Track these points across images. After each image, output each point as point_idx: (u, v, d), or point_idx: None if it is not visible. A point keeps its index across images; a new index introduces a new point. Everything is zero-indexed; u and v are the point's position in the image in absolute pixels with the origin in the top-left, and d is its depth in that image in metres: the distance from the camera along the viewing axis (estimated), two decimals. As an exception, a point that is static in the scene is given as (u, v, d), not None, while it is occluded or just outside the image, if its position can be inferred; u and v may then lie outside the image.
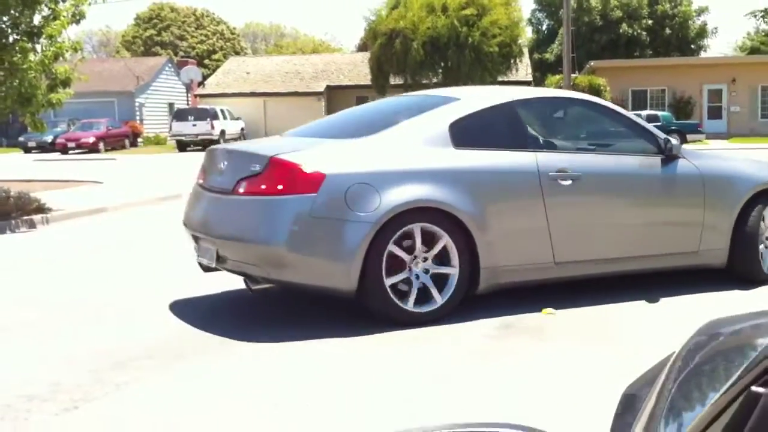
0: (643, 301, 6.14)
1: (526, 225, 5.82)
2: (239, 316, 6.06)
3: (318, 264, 5.36)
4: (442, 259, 5.51)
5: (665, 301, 6.13)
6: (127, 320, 5.91)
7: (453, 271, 5.49)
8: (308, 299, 6.20)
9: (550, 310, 5.88)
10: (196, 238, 6.02)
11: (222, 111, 39.19)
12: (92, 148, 38.12)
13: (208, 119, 37.42)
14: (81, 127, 40.09)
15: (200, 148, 37.79)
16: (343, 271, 5.23)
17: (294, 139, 6.41)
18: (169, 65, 50.81)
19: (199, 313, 6.08)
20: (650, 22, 54.07)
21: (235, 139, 39.97)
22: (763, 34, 60.13)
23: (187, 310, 6.14)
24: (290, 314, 6.07)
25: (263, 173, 5.40)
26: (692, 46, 56.32)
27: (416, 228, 5.39)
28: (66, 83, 13.24)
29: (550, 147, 6.39)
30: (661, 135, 6.44)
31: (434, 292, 5.46)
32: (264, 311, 6.21)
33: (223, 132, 38.36)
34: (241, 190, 5.50)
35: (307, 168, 5.28)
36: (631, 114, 7.12)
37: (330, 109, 42.76)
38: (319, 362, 4.77)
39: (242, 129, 41.38)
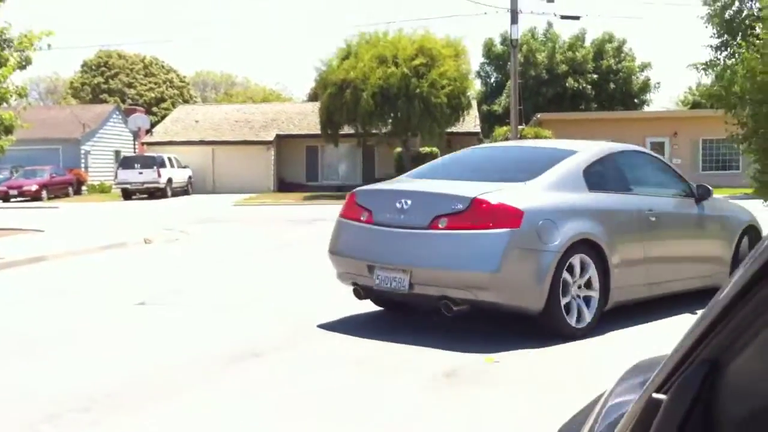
0: (588, 339, 6.23)
1: (634, 252, 7.17)
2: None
3: (516, 287, 6.36)
4: (587, 283, 6.69)
5: (610, 337, 6.27)
6: (59, 368, 5.64)
7: (595, 293, 6.69)
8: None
9: (492, 356, 5.82)
10: (371, 268, 6.81)
11: (170, 159, 38.77)
12: (35, 196, 37.35)
13: (155, 167, 36.97)
14: (24, 175, 39.32)
15: (146, 196, 37.36)
16: (537, 293, 6.29)
17: (462, 183, 7.02)
18: (117, 113, 50.32)
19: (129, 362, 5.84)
20: (595, 76, 55.35)
21: (183, 188, 39.59)
22: (703, 88, 61.89)
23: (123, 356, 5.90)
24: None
25: (468, 211, 6.35)
26: (635, 100, 57.72)
27: (576, 257, 6.55)
28: (9, 130, 12.99)
29: (638, 190, 7.69)
30: (692, 183, 8.27)
31: (585, 311, 6.62)
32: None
33: (170, 180, 37.92)
34: (442, 226, 6.41)
35: (511, 206, 6.33)
36: (673, 165, 9.02)
37: (279, 158, 42.67)
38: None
39: (190, 177, 40.97)
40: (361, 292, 7.16)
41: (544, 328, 6.52)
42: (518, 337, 6.54)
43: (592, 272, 6.66)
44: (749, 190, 15.39)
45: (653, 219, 7.36)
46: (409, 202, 6.77)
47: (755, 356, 0.97)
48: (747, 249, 8.26)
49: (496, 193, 6.46)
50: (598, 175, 7.26)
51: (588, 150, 7.55)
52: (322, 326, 7.13)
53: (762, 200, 14.40)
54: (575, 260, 6.54)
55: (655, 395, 1.13)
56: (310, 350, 6.22)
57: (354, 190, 7.90)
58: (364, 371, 5.53)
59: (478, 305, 6.52)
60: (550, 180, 6.87)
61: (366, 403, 4.83)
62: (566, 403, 4.59)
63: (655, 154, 9.06)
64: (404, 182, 7.96)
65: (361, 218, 7.13)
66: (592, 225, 6.73)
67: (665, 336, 6.49)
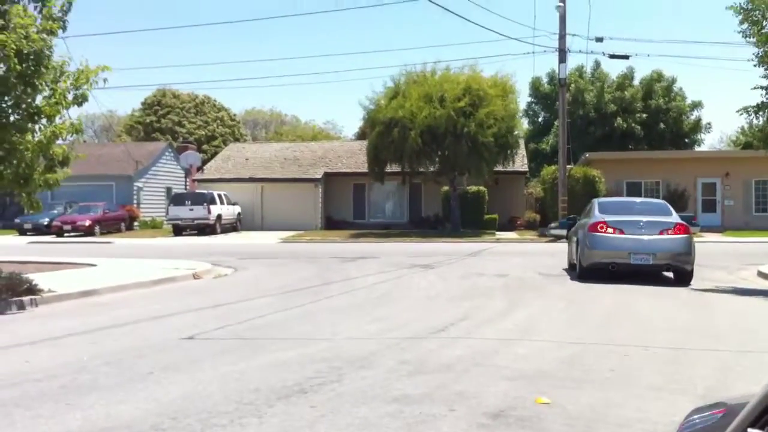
0: (643, 389, 6.07)
1: None
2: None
3: (692, 259, 14.99)
4: None
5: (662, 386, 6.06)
6: (110, 401, 5.77)
7: None
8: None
9: (544, 398, 5.75)
10: (629, 254, 14.78)
11: (219, 195, 39.34)
12: (88, 231, 38.09)
13: (205, 204, 37.53)
14: (78, 210, 40.15)
15: (196, 232, 37.88)
16: (694, 261, 15.25)
17: (655, 217, 15.64)
18: (169, 150, 51.31)
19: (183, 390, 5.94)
20: (644, 116, 54.89)
21: (231, 224, 40.08)
22: (756, 129, 60.99)
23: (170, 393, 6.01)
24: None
25: (674, 228, 15.04)
26: (686, 140, 57.06)
27: None
28: (64, 163, 13.28)
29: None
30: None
31: None
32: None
33: (219, 216, 38.44)
34: (665, 234, 14.92)
35: (687, 226, 15.21)
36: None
37: (327, 195, 43.01)
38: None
39: (239, 214, 41.49)
40: (615, 267, 15.02)
41: (689, 280, 14.90)
42: (575, 378, 6.50)
43: None
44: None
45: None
46: (642, 224, 15.12)
47: None
48: None
49: (677, 219, 15.54)
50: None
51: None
52: (364, 365, 7.18)
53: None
54: None
55: (750, 430, 1.15)
56: (353, 387, 6.25)
57: (601, 219, 15.36)
58: (409, 409, 5.53)
59: (679, 269, 14.97)
60: (677, 215, 15.95)
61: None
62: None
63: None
64: (629, 215, 15.65)
65: (614, 232, 15.02)
66: None
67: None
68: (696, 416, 1.61)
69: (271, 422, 5.23)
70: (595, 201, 17.36)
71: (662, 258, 14.67)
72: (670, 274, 15.39)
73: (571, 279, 15.83)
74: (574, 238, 16.93)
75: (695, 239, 15.88)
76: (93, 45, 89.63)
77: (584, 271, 15.40)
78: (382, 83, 50.20)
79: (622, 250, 14.73)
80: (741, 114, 16.26)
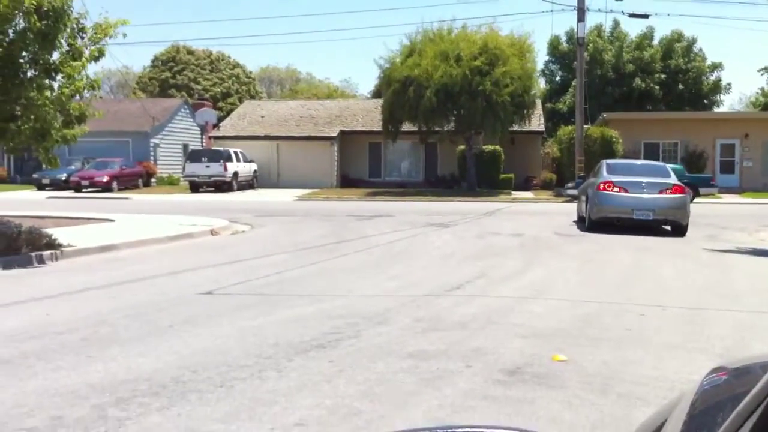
0: (660, 347, 6.08)
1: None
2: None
3: (687, 215, 16.92)
4: None
5: (685, 342, 6.06)
6: (130, 353, 5.85)
7: None
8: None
9: (560, 356, 5.77)
10: (632, 210, 16.78)
11: (236, 153, 39.37)
12: (106, 187, 38.27)
13: (222, 161, 37.60)
14: (95, 166, 40.30)
15: (213, 189, 38.01)
16: (689, 217, 17.09)
17: (639, 177, 17.52)
18: (185, 107, 51.24)
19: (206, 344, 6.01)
20: (663, 76, 54.24)
21: (248, 181, 40.19)
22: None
23: (188, 345, 6.08)
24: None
25: (672, 188, 17.04)
26: (705, 101, 56.41)
27: None
28: (81, 119, 13.30)
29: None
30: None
31: None
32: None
33: (236, 174, 38.51)
34: (666, 193, 16.92)
35: (683, 186, 17.53)
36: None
37: (343, 154, 42.96)
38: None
39: (255, 171, 41.53)
40: (620, 221, 17.02)
41: (684, 233, 16.73)
42: (591, 336, 6.53)
43: None
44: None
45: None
46: (644, 184, 17.05)
47: None
48: None
49: (676, 180, 17.56)
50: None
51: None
52: (380, 321, 7.23)
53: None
54: None
55: None
56: (370, 343, 6.30)
57: (608, 179, 17.35)
58: (425, 365, 5.58)
59: (675, 223, 16.93)
60: (672, 179, 17.65)
61: (423, 395, 4.89)
62: (638, 411, 4.59)
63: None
64: (630, 176, 17.57)
65: (619, 191, 17.02)
66: None
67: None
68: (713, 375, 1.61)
69: (290, 376, 5.29)
70: (604, 162, 19.49)
71: (660, 214, 16.96)
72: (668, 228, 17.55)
73: (581, 230, 17.10)
74: (583, 195, 19.15)
75: (713, 200, 18.76)
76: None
77: (592, 224, 17.58)
78: (398, 41, 49.84)
79: (626, 207, 16.97)
80: (762, 74, 16.08)
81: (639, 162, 22.14)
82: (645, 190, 17.02)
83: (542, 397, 4.82)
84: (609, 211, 17.19)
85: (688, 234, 16.79)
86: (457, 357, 5.80)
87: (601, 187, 17.26)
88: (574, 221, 19.92)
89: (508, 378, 5.24)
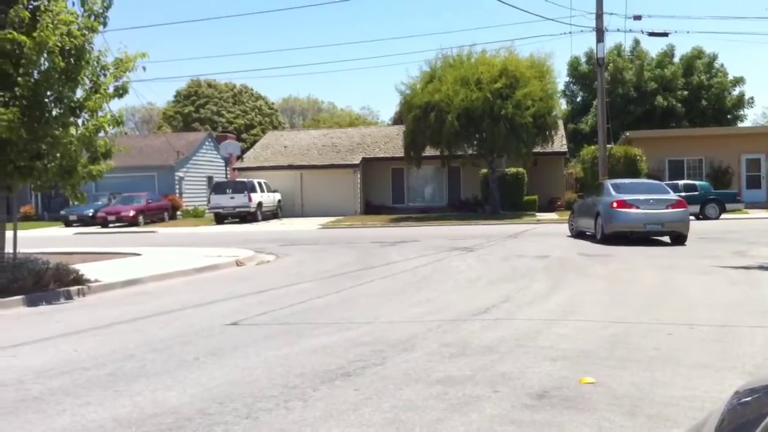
0: (689, 367, 5.99)
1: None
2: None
3: (688, 226, 19.53)
4: None
5: (713, 364, 5.97)
6: (157, 387, 5.86)
7: None
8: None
9: (588, 378, 5.71)
10: (644, 225, 19.10)
11: (260, 183, 39.65)
12: (132, 221, 38.62)
13: (246, 192, 37.88)
14: (121, 201, 40.72)
15: (237, 220, 38.22)
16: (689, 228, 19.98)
17: (659, 195, 19.95)
18: (209, 140, 51.75)
19: (223, 379, 6.01)
20: (685, 93, 54.00)
21: (272, 211, 40.41)
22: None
23: (211, 377, 6.09)
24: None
25: (677, 203, 19.51)
26: (728, 116, 56.03)
27: None
28: (107, 155, 13.46)
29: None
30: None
31: None
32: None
33: (260, 204, 38.74)
34: (670, 208, 19.29)
35: (684, 201, 20.05)
36: None
37: (366, 181, 43.09)
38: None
39: (279, 201, 41.77)
40: (633, 235, 19.48)
41: (684, 242, 19.17)
42: (619, 357, 6.46)
43: None
44: None
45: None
46: (653, 201, 19.28)
47: None
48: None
49: (676, 197, 20.17)
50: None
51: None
52: (407, 348, 7.20)
53: None
54: None
55: None
56: (397, 370, 6.27)
57: (620, 198, 19.54)
58: (452, 391, 5.54)
59: (679, 234, 19.18)
60: (671, 195, 20.10)
61: (450, 422, 4.85)
62: (656, 428, 4.53)
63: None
64: (640, 194, 19.71)
65: (632, 208, 19.13)
66: None
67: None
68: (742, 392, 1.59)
69: (316, 405, 5.27)
70: (607, 182, 21.95)
71: (668, 226, 19.25)
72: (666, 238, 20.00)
73: (600, 246, 15.85)
74: (585, 213, 21.81)
75: (740, 215, 18.86)
76: (128, 38, 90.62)
77: (606, 237, 19.67)
78: (418, 68, 50.05)
79: (639, 222, 19.28)
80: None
81: (638, 180, 24.02)
82: (653, 206, 19.33)
83: (570, 421, 4.76)
84: (623, 226, 19.44)
85: (716, 251, 16.78)
86: (484, 382, 5.76)
87: (615, 205, 19.44)
88: (568, 236, 22.90)
89: (536, 402, 5.19)
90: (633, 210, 19.23)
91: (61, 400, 5.68)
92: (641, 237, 19.69)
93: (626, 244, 18.80)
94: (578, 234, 22.45)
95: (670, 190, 20.95)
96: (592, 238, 20.71)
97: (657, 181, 23.67)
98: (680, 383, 5.61)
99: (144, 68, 13.27)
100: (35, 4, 12.35)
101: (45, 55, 11.86)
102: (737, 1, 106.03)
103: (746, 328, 7.81)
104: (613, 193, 20.06)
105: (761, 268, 13.71)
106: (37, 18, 11.82)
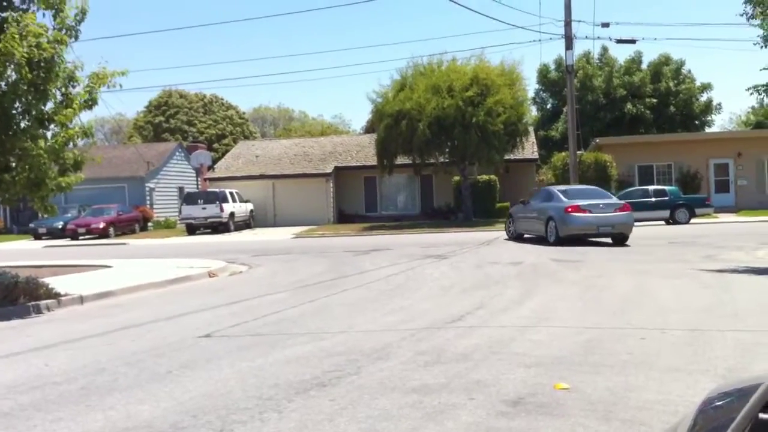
0: (662, 371, 6.03)
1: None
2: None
3: (631, 227, 21.72)
4: None
5: (688, 366, 6.01)
6: (129, 401, 5.79)
7: None
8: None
9: (563, 384, 5.73)
10: (597, 227, 21.02)
11: (231, 194, 39.46)
12: (102, 234, 38.27)
13: (218, 202, 37.67)
14: (91, 213, 40.34)
15: (210, 231, 37.98)
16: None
17: (605, 199, 22.17)
18: (179, 150, 51.44)
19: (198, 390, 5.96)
20: (654, 100, 54.63)
21: (244, 221, 40.23)
22: (766, 108, 60.66)
23: (185, 390, 6.03)
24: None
25: (622, 207, 21.60)
26: (696, 122, 56.74)
27: None
28: (77, 167, 13.32)
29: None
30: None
31: None
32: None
33: (232, 214, 38.55)
34: (618, 211, 21.35)
35: (629, 205, 22.26)
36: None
37: (338, 190, 43.07)
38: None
39: (251, 211, 41.60)
40: (587, 237, 21.43)
41: (625, 241, 21.34)
42: (593, 363, 6.49)
43: None
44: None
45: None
46: (602, 206, 21.33)
47: None
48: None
49: (620, 200, 22.95)
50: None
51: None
52: (381, 357, 7.19)
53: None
54: None
55: (762, 416, 1.16)
56: (372, 379, 6.25)
57: (575, 203, 21.19)
58: (428, 399, 5.54)
59: (624, 234, 21.34)
60: (612, 200, 22.29)
61: (425, 430, 4.83)
62: None
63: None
64: (589, 200, 21.57)
65: (585, 212, 20.98)
66: None
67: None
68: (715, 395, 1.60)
69: (291, 417, 5.24)
70: (554, 189, 23.86)
71: (617, 228, 21.29)
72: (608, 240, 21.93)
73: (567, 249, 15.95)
74: (543, 215, 22.62)
75: (709, 220, 19.15)
76: (98, 47, 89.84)
77: (560, 240, 21.44)
78: (389, 76, 50.21)
79: (593, 225, 21.15)
80: (751, 93, 16.15)
81: (581, 187, 26.19)
82: (603, 210, 21.31)
83: (546, 427, 4.78)
84: (577, 229, 21.31)
85: (687, 255, 16.99)
86: (459, 390, 5.76)
87: (569, 210, 21.28)
88: (505, 239, 25.32)
89: (511, 409, 5.20)
90: (586, 214, 21.10)
91: (31, 415, 5.59)
92: (584, 238, 21.76)
93: (579, 245, 21.04)
94: (518, 237, 24.64)
95: (612, 195, 23.47)
96: (541, 241, 22.40)
97: (596, 187, 25.25)
98: (654, 387, 5.65)
99: (121, 85, 13.18)
100: (2, 15, 12.22)
101: (12, 66, 11.74)
102: (705, 8, 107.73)
103: (717, 331, 7.88)
104: (564, 199, 21.89)
105: (731, 271, 13.87)
106: (4, 29, 11.69)
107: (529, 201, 24.48)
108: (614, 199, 22.65)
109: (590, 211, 21.15)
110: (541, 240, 22.61)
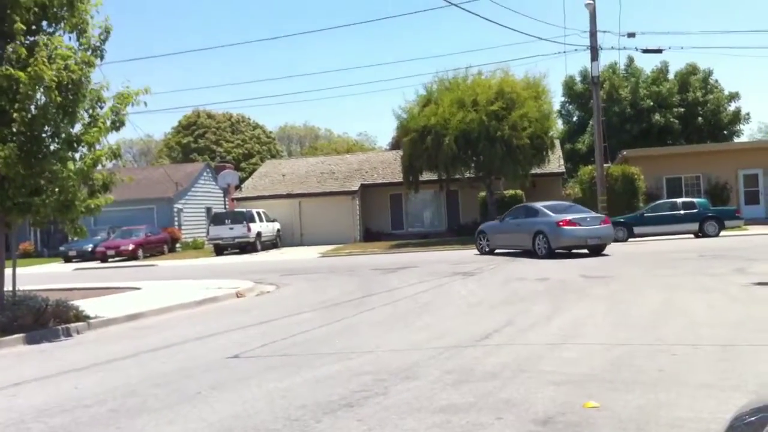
0: (694, 388, 5.94)
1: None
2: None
3: (612, 236, 24.47)
4: None
5: (723, 385, 5.92)
6: (159, 423, 5.81)
7: None
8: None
9: (592, 402, 5.67)
10: (587, 239, 22.75)
11: (258, 213, 39.63)
12: (131, 256, 38.60)
13: (245, 222, 37.84)
14: (120, 235, 40.70)
15: (237, 251, 38.14)
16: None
17: (580, 214, 23.75)
18: (207, 170, 51.82)
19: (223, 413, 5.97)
20: (681, 110, 54.18)
21: (271, 241, 40.37)
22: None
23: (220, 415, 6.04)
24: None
25: (604, 220, 23.81)
26: (725, 132, 56.16)
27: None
28: (105, 188, 13.43)
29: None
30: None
31: None
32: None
33: (259, 234, 38.71)
34: (602, 224, 23.33)
35: (608, 218, 24.83)
36: None
37: (364, 207, 43.11)
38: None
39: (278, 230, 41.74)
40: (580, 248, 23.04)
41: (602, 251, 23.44)
42: (624, 380, 6.41)
43: None
44: None
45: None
46: (589, 219, 23.21)
47: None
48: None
49: (603, 215, 25.08)
50: None
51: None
52: (409, 376, 7.16)
53: None
54: None
55: None
56: (399, 399, 6.23)
57: (566, 218, 22.86)
58: (456, 419, 5.50)
59: (605, 245, 23.44)
60: (584, 213, 23.89)
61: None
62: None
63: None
64: (576, 214, 23.55)
65: (575, 226, 22.65)
66: None
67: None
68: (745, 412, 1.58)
69: (318, 438, 5.23)
70: (539, 205, 25.16)
71: (603, 239, 23.15)
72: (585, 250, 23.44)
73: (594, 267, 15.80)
74: (530, 229, 23.87)
75: (739, 232, 19.38)
76: (125, 69, 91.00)
77: (552, 252, 22.97)
78: (414, 92, 50.33)
79: (582, 237, 22.85)
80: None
81: (559, 202, 28.22)
82: (590, 223, 23.18)
83: (576, 447, 4.72)
84: (569, 242, 22.96)
85: (717, 269, 16.70)
86: (487, 409, 5.72)
87: (561, 224, 22.85)
88: (475, 254, 26.64)
89: (540, 428, 5.15)
90: (577, 227, 22.83)
91: (62, 439, 5.63)
92: (570, 250, 23.40)
93: (567, 257, 22.54)
94: (491, 251, 26.35)
95: (590, 210, 25.67)
96: (530, 255, 23.82)
97: (574, 203, 28.19)
98: (685, 404, 5.57)
99: (146, 103, 13.30)
100: (32, 39, 12.41)
101: (42, 90, 11.90)
102: (731, 16, 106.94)
103: (749, 346, 7.77)
104: (551, 214, 23.61)
105: (762, 284, 13.67)
106: (34, 53, 11.86)
107: (505, 218, 26.27)
108: (596, 213, 24.95)
109: (580, 224, 22.86)
110: (529, 254, 23.99)
